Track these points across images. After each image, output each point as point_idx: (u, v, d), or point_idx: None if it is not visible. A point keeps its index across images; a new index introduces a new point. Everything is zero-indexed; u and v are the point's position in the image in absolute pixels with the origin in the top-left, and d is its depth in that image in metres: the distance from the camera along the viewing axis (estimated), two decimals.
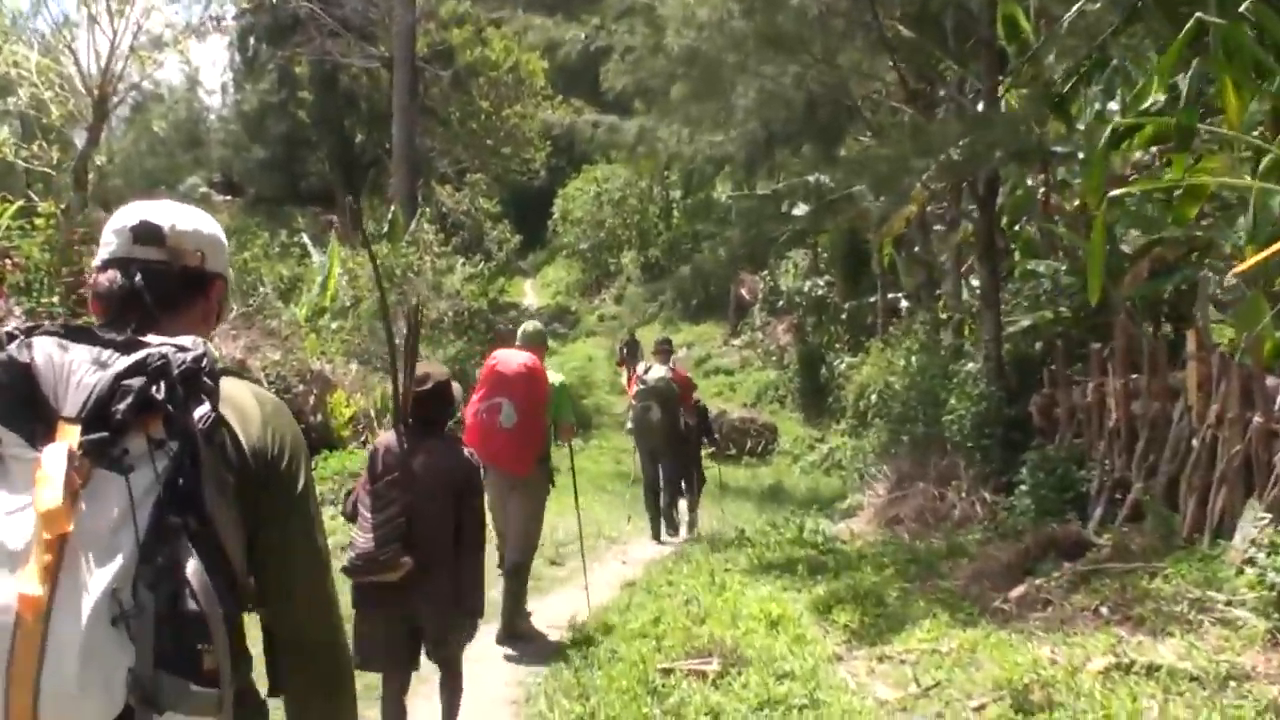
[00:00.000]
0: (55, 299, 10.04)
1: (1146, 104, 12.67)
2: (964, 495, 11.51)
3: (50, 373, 1.75)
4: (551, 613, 8.46)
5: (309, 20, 31.93)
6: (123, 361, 1.76)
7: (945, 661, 6.33)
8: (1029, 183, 14.81)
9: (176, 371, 1.76)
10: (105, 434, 1.70)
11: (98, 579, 1.63)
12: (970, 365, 12.43)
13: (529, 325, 8.48)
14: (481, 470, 5.50)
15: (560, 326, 36.42)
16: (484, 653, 6.15)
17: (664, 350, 13.43)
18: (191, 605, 1.68)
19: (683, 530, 13.19)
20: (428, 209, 29.40)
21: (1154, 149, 11.17)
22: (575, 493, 9.32)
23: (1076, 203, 12.60)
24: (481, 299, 24.90)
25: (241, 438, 1.91)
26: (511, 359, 7.82)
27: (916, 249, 21.29)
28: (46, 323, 1.88)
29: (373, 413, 15.06)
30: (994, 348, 11.65)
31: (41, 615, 1.60)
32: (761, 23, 11.37)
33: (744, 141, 16.91)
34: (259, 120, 36.80)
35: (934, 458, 12.89)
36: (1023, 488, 10.33)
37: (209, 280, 2.13)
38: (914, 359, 16.44)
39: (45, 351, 1.77)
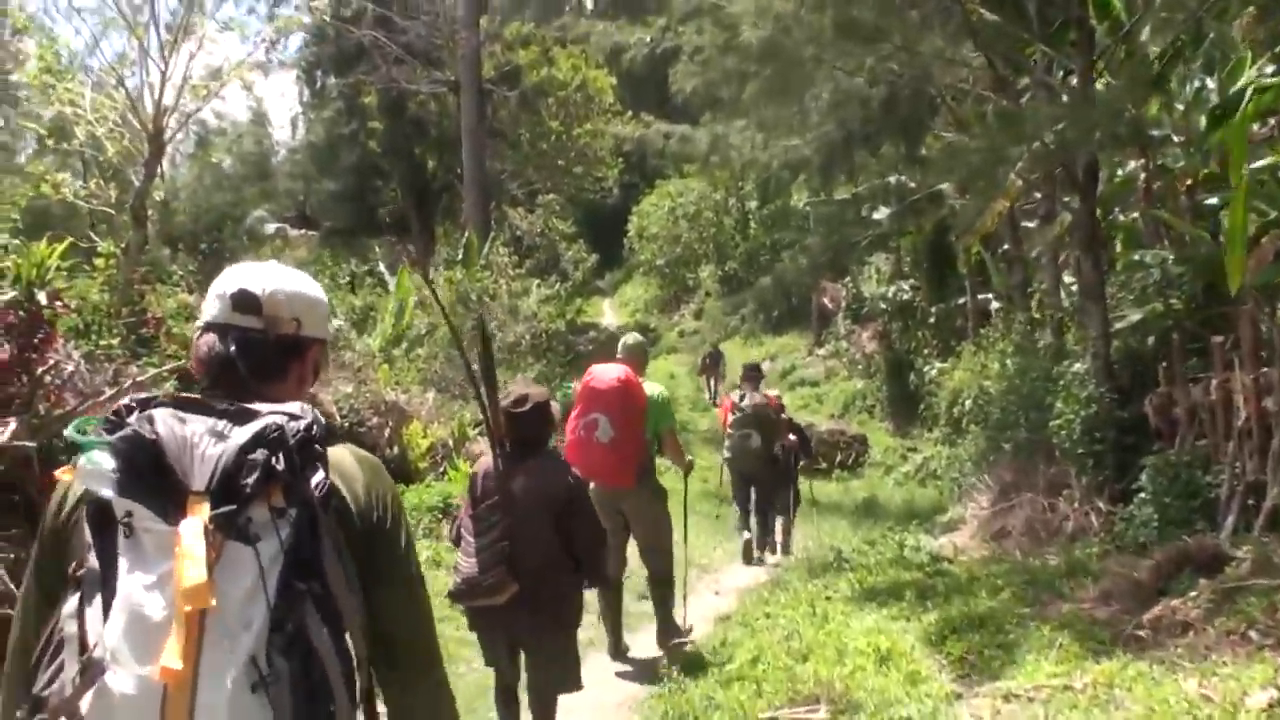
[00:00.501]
0: (115, 341, 9.69)
1: (1242, 80, 11.94)
2: (1076, 505, 10.75)
3: (174, 446, 1.80)
4: (642, 652, 7.94)
5: (373, 48, 31.82)
6: (241, 433, 1.83)
7: (1081, 700, 5.64)
8: (1122, 171, 14.05)
9: (292, 441, 1.84)
10: (234, 506, 1.77)
11: (237, 649, 1.71)
12: (1077, 365, 11.65)
13: (629, 338, 8.48)
14: (585, 485, 5.45)
15: None
16: (575, 701, 5.59)
17: (754, 377, 12.97)
18: (323, 668, 1.78)
19: (778, 552, 12.68)
20: (501, 232, 29.13)
21: (1270, 121, 10.37)
22: (685, 525, 8.89)
23: (1189, 182, 11.80)
24: (559, 320, 24.50)
25: (349, 500, 2.02)
26: (606, 373, 7.74)
27: (1006, 246, 20.50)
28: (158, 394, 1.94)
29: (451, 442, 14.63)
30: (1102, 345, 10.88)
31: (187, 686, 1.67)
32: (838, 13, 10.76)
33: (820, 144, 16.31)
34: (329, 152, 36.83)
35: (1040, 466, 12.14)
36: (1142, 496, 9.57)
37: (305, 346, 2.20)
38: (1010, 362, 15.70)
39: (167, 425, 1.82)
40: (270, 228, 34.96)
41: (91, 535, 1.80)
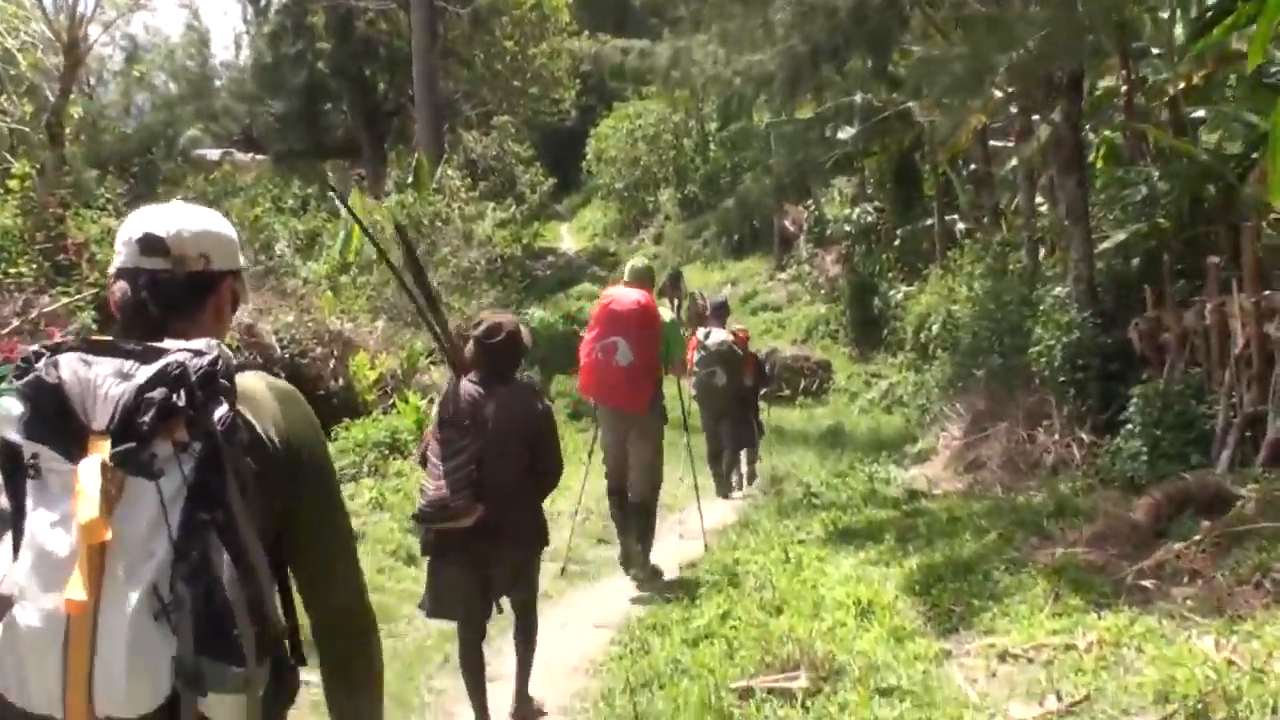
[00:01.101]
0: (28, 269, 8.91)
1: None
2: (1057, 437, 10.24)
3: (78, 388, 1.88)
4: (600, 607, 7.39)
5: None
6: (144, 372, 1.88)
7: (1086, 661, 5.08)
8: (1100, 85, 13.44)
9: (194, 377, 1.88)
10: (133, 444, 1.82)
11: (138, 579, 1.79)
12: (1057, 289, 11.07)
13: (637, 261, 8.53)
14: (552, 413, 5.49)
15: (599, 269, 35.42)
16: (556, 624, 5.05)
17: (720, 314, 12.45)
18: (226, 594, 1.82)
19: (743, 485, 12.20)
20: (455, 155, 28.14)
21: None
22: (688, 446, 9.26)
23: (1171, 94, 11.19)
24: (515, 245, 23.63)
25: (260, 430, 2.02)
26: (625, 296, 7.82)
27: (974, 166, 19.88)
28: (68, 339, 2.10)
29: (400, 373, 13.92)
30: (1084, 268, 10.30)
31: (89, 617, 1.76)
32: None
33: (785, 59, 15.52)
34: (274, 73, 35.32)
35: (1017, 394, 11.64)
36: (1130, 428, 9.06)
37: (217, 280, 2.21)
38: (979, 285, 15.19)
39: (71, 368, 1.90)
40: (214, 153, 33.42)
41: (3, 478, 1.89)
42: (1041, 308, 10.98)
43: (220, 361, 1.91)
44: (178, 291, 2.12)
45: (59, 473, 1.82)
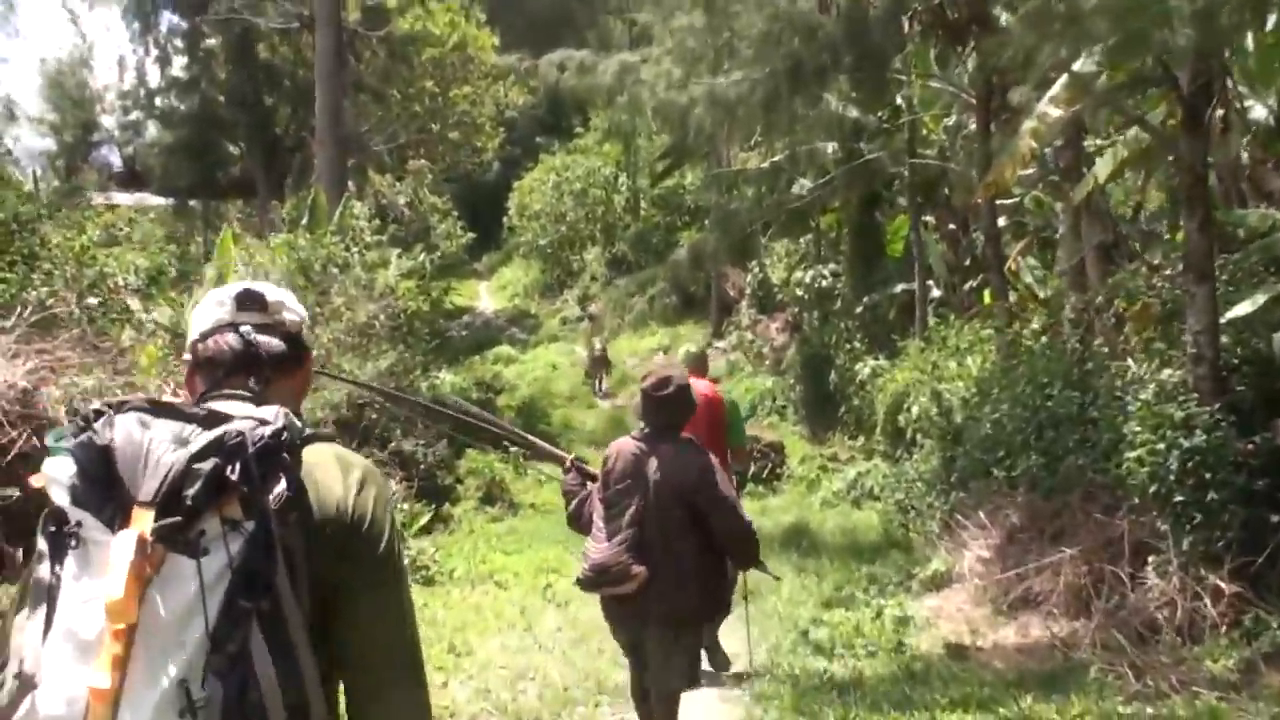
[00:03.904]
0: None
1: None
2: (1177, 582, 7.17)
3: (129, 452, 1.75)
4: None
5: None
6: (200, 440, 1.75)
7: None
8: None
9: (252, 449, 1.76)
10: (179, 518, 1.70)
11: (167, 669, 1.64)
12: (1167, 372, 8.07)
13: (691, 348, 8.80)
14: (715, 472, 5.05)
15: (519, 331, 32.73)
16: None
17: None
18: (262, 696, 1.66)
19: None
20: (363, 197, 25.02)
21: None
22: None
23: None
24: (421, 299, 20.34)
25: (318, 510, 1.88)
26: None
27: (951, 226, 17.28)
28: (134, 398, 1.88)
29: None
30: (1208, 344, 7.35)
31: (110, 706, 1.60)
32: None
33: (761, 80, 12.71)
34: (163, 99, 31.92)
35: (1077, 509, 8.67)
36: None
37: (306, 349, 2.18)
38: (972, 360, 12.60)
39: (125, 430, 1.77)
40: (96, 197, 29.34)
41: (46, 545, 1.76)
42: (1142, 398, 7.92)
43: (285, 433, 1.80)
44: (281, 344, 2.07)
45: (99, 544, 1.69)
